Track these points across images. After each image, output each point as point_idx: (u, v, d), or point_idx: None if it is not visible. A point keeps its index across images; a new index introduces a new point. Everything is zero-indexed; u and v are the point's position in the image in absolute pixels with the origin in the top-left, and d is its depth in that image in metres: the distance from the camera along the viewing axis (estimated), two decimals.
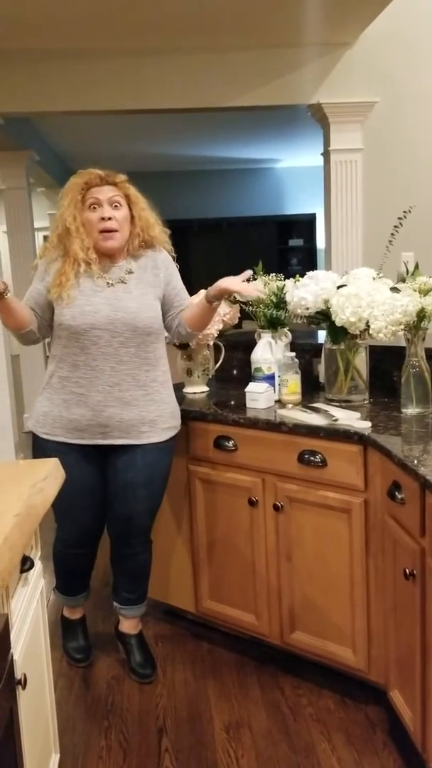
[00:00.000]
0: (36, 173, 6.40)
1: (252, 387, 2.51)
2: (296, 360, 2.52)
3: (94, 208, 2.25)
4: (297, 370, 2.50)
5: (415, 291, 2.21)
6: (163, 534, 2.70)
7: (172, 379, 2.44)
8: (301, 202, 9.07)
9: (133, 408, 2.28)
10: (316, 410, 2.36)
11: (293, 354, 2.56)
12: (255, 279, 2.71)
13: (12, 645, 1.38)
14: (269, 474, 2.38)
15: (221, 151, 7.79)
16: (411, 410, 2.29)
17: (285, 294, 2.58)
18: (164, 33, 3.67)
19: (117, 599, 2.57)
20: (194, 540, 2.65)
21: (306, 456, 2.25)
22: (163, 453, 2.38)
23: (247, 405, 2.50)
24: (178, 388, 2.64)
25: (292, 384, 2.48)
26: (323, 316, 2.43)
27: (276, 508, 2.34)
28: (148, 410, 2.31)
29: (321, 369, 2.67)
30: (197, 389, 2.83)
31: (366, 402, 2.47)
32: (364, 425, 2.18)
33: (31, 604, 1.63)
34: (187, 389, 2.84)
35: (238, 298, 2.69)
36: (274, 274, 2.73)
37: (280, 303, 2.61)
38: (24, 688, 1.42)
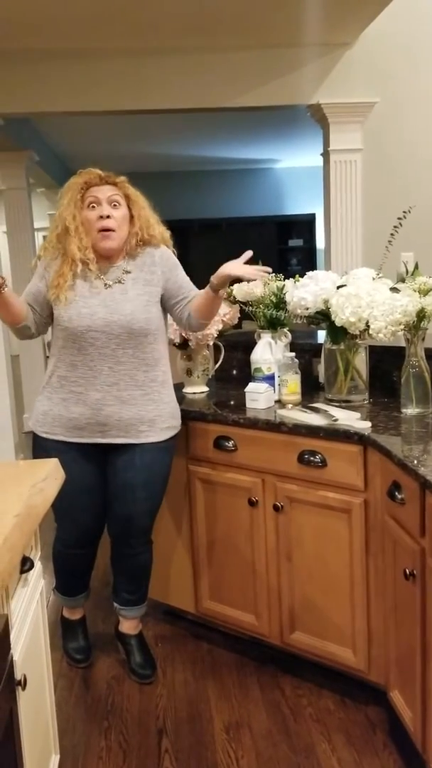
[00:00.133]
0: (36, 173, 6.40)
1: (252, 387, 2.51)
2: (296, 360, 2.52)
3: (93, 206, 2.25)
4: (297, 370, 2.50)
5: (414, 291, 2.21)
6: (163, 534, 2.70)
7: (172, 379, 2.44)
8: (301, 202, 9.08)
9: (131, 407, 2.29)
10: (316, 410, 2.36)
11: (293, 354, 2.55)
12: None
13: (12, 646, 1.38)
14: (269, 474, 2.38)
15: (221, 151, 7.79)
16: (411, 410, 2.29)
17: (285, 294, 2.58)
18: (164, 33, 3.67)
19: (117, 600, 2.56)
20: (194, 540, 2.65)
21: (306, 456, 2.25)
22: (163, 453, 2.38)
23: (247, 405, 2.50)
24: (178, 388, 2.64)
25: (292, 384, 2.48)
26: (323, 316, 2.43)
27: (276, 508, 2.34)
28: (146, 410, 2.31)
29: (321, 369, 2.67)
30: (197, 389, 2.83)
31: (366, 402, 2.47)
32: (364, 425, 2.18)
33: (31, 605, 1.63)
34: (187, 389, 2.84)
35: (239, 298, 2.69)
36: (273, 274, 2.73)
37: (280, 303, 2.61)
38: (24, 688, 1.42)
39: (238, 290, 2.71)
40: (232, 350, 3.01)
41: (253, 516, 2.43)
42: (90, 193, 2.26)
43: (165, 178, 8.44)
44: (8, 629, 1.36)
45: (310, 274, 2.48)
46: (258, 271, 2.28)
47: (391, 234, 2.50)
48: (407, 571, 1.82)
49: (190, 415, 2.54)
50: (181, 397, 2.67)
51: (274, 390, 2.53)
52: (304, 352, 2.80)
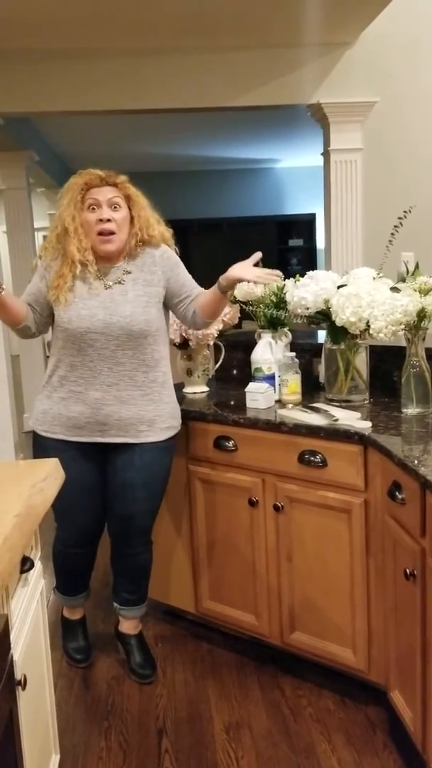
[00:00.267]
0: (36, 173, 6.40)
1: (252, 387, 2.51)
2: (296, 360, 2.51)
3: (93, 209, 2.25)
4: (297, 370, 2.49)
5: (415, 291, 2.21)
6: (163, 534, 2.70)
7: (173, 379, 2.44)
8: (301, 202, 9.07)
9: (131, 407, 2.28)
10: (316, 410, 2.36)
11: (293, 354, 2.55)
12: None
13: (12, 645, 1.38)
14: (269, 474, 2.37)
15: (221, 151, 7.79)
16: (411, 410, 2.29)
17: (285, 294, 2.57)
18: (164, 33, 3.67)
19: (117, 600, 2.56)
20: (194, 540, 2.64)
21: (306, 456, 2.25)
22: (162, 453, 2.38)
23: (247, 405, 2.50)
24: (178, 388, 2.63)
25: (292, 384, 2.48)
26: (323, 316, 2.43)
27: (276, 508, 2.34)
28: (146, 410, 2.31)
29: (321, 369, 2.67)
30: (197, 389, 2.83)
31: (366, 402, 2.47)
32: (364, 425, 2.17)
33: (31, 605, 1.63)
34: (187, 389, 2.84)
35: (239, 297, 2.69)
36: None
37: (280, 303, 2.61)
38: (24, 688, 1.42)
39: (239, 290, 2.71)
40: (232, 350, 3.01)
41: (253, 516, 2.43)
42: (90, 194, 2.25)
43: (165, 178, 8.43)
44: (8, 629, 1.36)
45: (310, 273, 2.47)
46: (269, 275, 2.23)
47: (392, 234, 2.49)
48: (407, 571, 1.82)
49: (190, 415, 2.54)
50: (181, 397, 2.67)
51: (275, 390, 2.53)
52: (305, 352, 2.80)
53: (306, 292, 2.42)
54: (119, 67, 3.92)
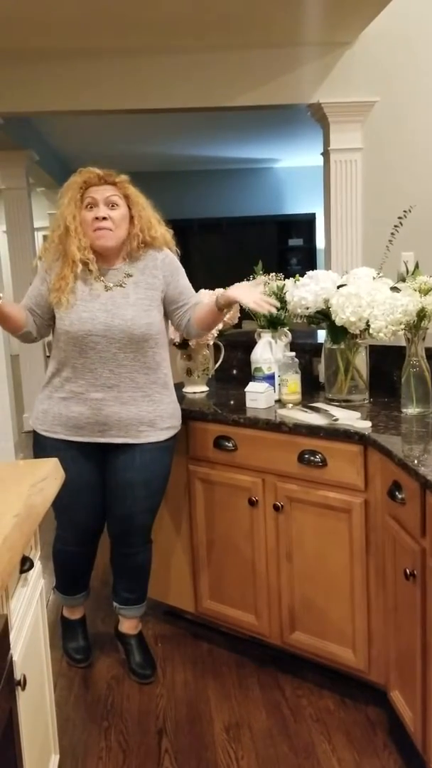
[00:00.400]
0: (36, 173, 6.40)
1: (252, 387, 2.51)
2: (296, 360, 2.51)
3: (90, 207, 2.25)
4: (297, 369, 2.49)
5: (415, 290, 2.21)
6: (163, 534, 2.70)
7: (173, 379, 2.44)
8: (301, 201, 9.08)
9: (131, 407, 2.28)
10: (316, 410, 2.36)
11: (293, 354, 2.55)
12: (255, 278, 2.71)
13: (11, 645, 1.38)
14: (269, 474, 2.37)
15: (221, 151, 7.79)
16: (411, 410, 2.29)
17: (285, 294, 2.58)
18: (164, 33, 3.67)
19: (117, 599, 2.56)
20: (194, 540, 2.64)
21: (306, 456, 2.25)
22: (162, 452, 2.38)
23: (247, 405, 2.50)
24: (178, 387, 2.63)
25: (292, 384, 2.48)
26: (323, 316, 2.43)
27: (276, 508, 2.34)
28: (147, 410, 2.30)
29: (321, 369, 2.67)
30: (197, 389, 2.83)
31: (366, 402, 2.47)
32: (364, 425, 2.17)
33: (31, 605, 1.63)
34: (187, 389, 2.84)
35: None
36: (274, 273, 2.73)
37: (280, 303, 2.61)
38: (23, 688, 1.42)
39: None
40: (232, 350, 3.01)
41: (253, 516, 2.43)
42: (88, 193, 2.25)
43: (165, 178, 8.43)
44: (8, 629, 1.36)
45: (310, 273, 2.47)
46: (267, 303, 2.23)
47: (392, 233, 2.50)
48: (407, 571, 1.82)
49: (190, 415, 2.54)
50: (181, 397, 2.67)
51: (275, 390, 2.53)
52: (305, 352, 2.80)
53: (306, 291, 2.42)
54: (119, 67, 3.92)
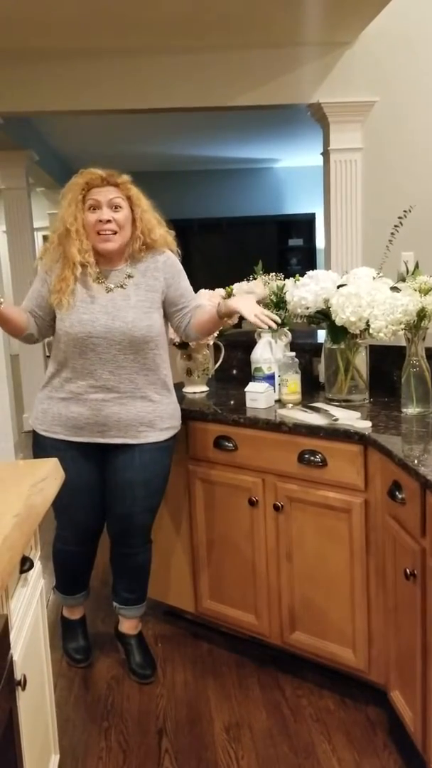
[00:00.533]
0: (36, 173, 6.40)
1: (252, 387, 2.51)
2: (296, 360, 2.51)
3: (94, 209, 2.24)
4: (297, 369, 2.49)
5: (415, 290, 2.21)
6: (162, 534, 2.70)
7: (173, 379, 2.44)
8: (301, 201, 9.08)
9: (131, 408, 2.28)
10: (316, 410, 2.36)
11: (293, 354, 2.55)
12: (255, 278, 2.71)
13: (12, 645, 1.38)
14: (269, 474, 2.37)
15: (221, 151, 7.79)
16: (411, 410, 2.29)
17: (285, 294, 2.57)
18: (164, 33, 3.67)
19: (117, 599, 2.56)
20: (194, 540, 2.64)
21: (306, 456, 2.25)
22: (162, 452, 2.38)
23: (247, 405, 2.50)
24: (178, 387, 2.64)
25: (292, 384, 2.48)
26: (323, 316, 2.43)
27: (276, 508, 2.34)
28: (147, 411, 2.30)
29: (321, 369, 2.67)
30: (197, 389, 2.83)
31: (366, 402, 2.47)
32: (364, 425, 2.17)
33: (31, 605, 1.63)
34: (187, 389, 2.84)
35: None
36: (274, 273, 2.72)
37: (280, 303, 2.61)
38: (24, 688, 1.42)
39: (238, 290, 2.71)
40: (232, 350, 3.01)
41: (253, 516, 2.43)
42: (91, 195, 2.24)
43: (165, 178, 8.43)
44: (8, 629, 1.36)
45: (310, 273, 2.47)
46: (268, 319, 2.22)
47: (392, 233, 2.50)
48: (408, 571, 1.82)
49: (190, 415, 2.54)
50: (181, 397, 2.67)
51: (275, 389, 2.53)
52: (305, 352, 2.80)
53: (306, 291, 2.42)
54: (119, 67, 3.92)
